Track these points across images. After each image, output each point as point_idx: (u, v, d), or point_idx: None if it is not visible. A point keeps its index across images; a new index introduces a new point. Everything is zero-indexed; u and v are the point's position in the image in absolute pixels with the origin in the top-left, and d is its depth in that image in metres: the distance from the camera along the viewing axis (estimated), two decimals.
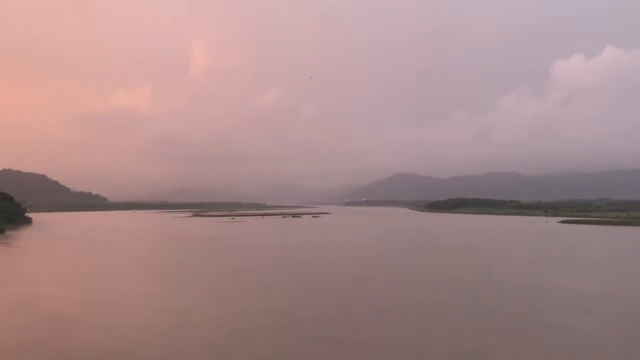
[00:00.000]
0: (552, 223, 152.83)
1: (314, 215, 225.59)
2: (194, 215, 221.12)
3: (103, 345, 23.64)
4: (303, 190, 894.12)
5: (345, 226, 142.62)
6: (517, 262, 60.02)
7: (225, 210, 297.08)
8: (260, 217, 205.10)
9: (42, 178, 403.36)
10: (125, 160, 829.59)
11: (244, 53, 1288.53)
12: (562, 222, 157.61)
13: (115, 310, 31.02)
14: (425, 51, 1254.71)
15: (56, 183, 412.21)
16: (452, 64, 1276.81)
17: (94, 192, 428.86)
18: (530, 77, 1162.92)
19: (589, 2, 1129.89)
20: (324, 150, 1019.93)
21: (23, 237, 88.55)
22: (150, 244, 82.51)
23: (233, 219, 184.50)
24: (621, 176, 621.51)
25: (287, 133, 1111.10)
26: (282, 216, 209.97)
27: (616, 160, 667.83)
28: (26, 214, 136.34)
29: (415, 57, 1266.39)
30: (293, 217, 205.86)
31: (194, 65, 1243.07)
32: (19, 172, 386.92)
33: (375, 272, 48.56)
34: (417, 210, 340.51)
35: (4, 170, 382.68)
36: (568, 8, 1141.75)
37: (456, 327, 27.57)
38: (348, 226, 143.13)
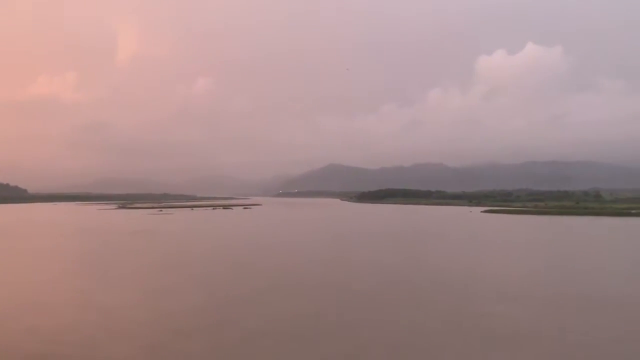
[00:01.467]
0: (475, 212, 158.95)
1: (245, 206, 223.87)
2: (119, 208, 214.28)
3: (28, 348, 22.37)
4: (234, 182, 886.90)
5: (273, 216, 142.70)
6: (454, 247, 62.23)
7: (153, 202, 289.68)
8: (190, 208, 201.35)
9: None
10: (46, 150, 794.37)
11: (173, 41, 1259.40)
12: (485, 211, 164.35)
13: (41, 310, 29.40)
14: (355, 45, 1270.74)
15: None
16: (381, 58, 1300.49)
17: (12, 184, 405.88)
18: (456, 71, 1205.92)
19: (512, 0, 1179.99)
20: (255, 142, 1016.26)
21: None
22: (73, 237, 79.25)
23: (160, 210, 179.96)
24: (539, 167, 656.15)
25: (218, 124, 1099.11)
26: (212, 208, 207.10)
27: (535, 151, 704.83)
28: None
29: (345, 51, 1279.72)
30: (224, 208, 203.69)
31: (121, 52, 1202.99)
32: None
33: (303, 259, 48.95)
34: (347, 200, 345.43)
35: None
36: (492, 6, 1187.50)
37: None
38: (276, 216, 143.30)
